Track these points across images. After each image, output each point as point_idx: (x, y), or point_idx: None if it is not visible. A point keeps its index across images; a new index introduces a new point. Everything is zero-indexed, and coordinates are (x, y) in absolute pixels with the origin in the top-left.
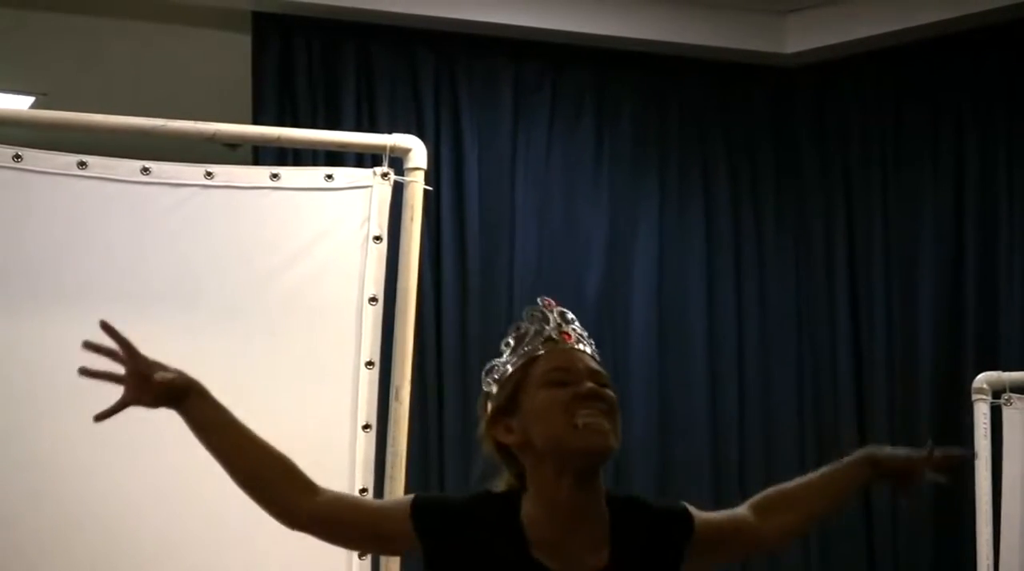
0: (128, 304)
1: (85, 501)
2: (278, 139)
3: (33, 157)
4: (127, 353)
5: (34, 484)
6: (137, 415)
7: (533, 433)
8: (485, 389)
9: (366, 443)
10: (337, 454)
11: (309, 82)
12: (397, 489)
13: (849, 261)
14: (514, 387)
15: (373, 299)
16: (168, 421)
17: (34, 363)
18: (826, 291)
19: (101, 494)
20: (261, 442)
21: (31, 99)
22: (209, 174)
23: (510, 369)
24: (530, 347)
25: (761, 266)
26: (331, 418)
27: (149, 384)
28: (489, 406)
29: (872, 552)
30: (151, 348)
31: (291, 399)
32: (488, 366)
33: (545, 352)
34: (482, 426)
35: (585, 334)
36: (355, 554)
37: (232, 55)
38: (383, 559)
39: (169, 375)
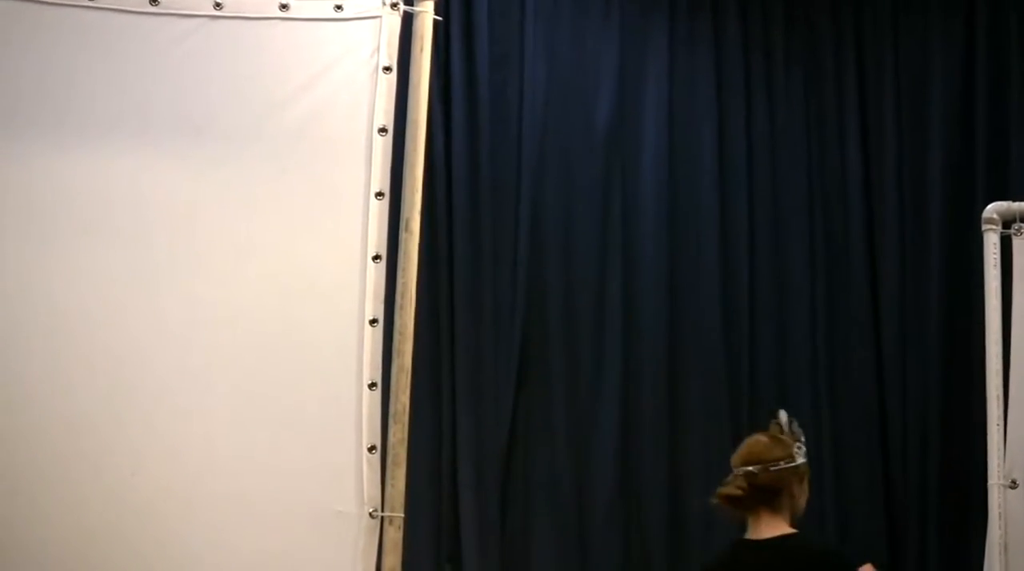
0: (135, 134)
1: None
2: None
3: None
4: None
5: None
6: None
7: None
8: (799, 457)
9: (376, 273)
10: (347, 283)
11: None
12: (407, 319)
13: (859, 91)
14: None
15: (383, 130)
16: None
17: (38, 194)
18: (837, 123)
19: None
20: None
21: None
22: (218, 4)
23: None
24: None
25: (770, 97)
26: (341, 248)
27: None
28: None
29: (881, 384)
30: (159, 179)
31: (300, 230)
32: (800, 447)
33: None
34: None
35: None
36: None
37: None
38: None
39: None
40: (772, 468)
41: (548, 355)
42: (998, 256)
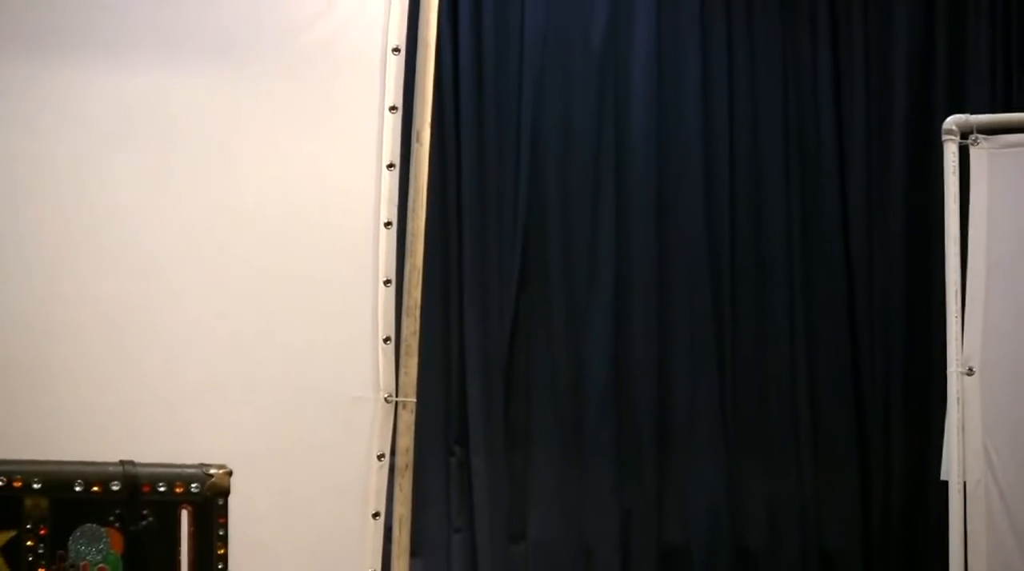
0: (159, 52)
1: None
2: None
3: None
4: None
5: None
6: None
7: None
8: None
9: (390, 180)
10: (364, 189)
11: None
12: (418, 222)
13: (830, 16)
14: None
15: (396, 49)
16: None
17: (68, 109)
18: (810, 44)
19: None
20: None
21: None
22: None
23: None
24: None
25: (749, 23)
26: (358, 157)
27: None
28: None
29: (851, 280)
30: (181, 94)
31: (320, 140)
32: None
33: None
34: None
35: None
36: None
37: None
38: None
39: None
40: None
41: (547, 256)
42: (956, 164)
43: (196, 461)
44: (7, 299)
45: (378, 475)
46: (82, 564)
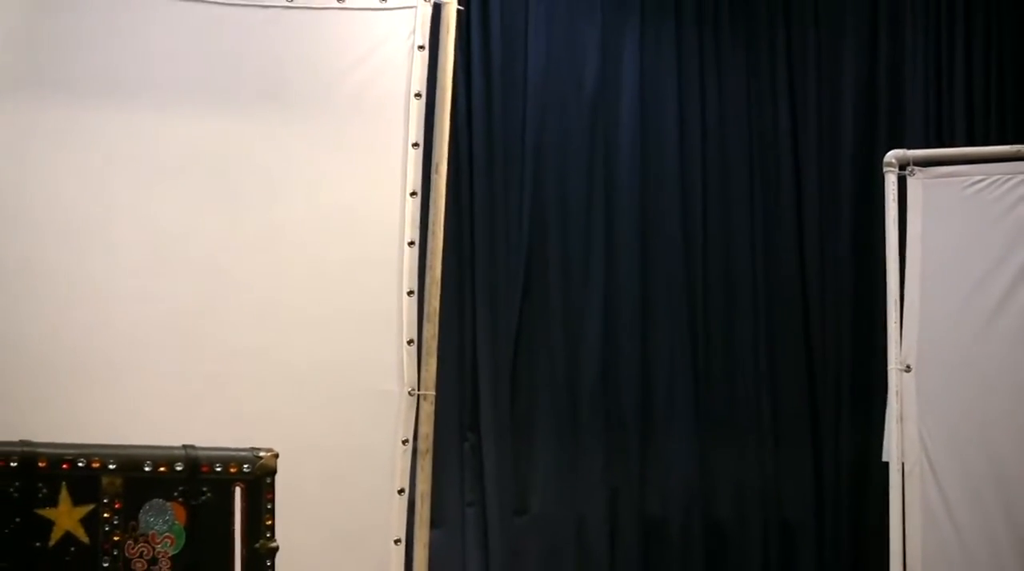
0: (228, 100)
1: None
2: None
3: None
4: None
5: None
6: None
7: None
8: None
9: (413, 206)
10: (390, 214)
11: None
12: (437, 241)
13: (787, 59)
14: None
15: (418, 94)
16: None
17: (149, 147)
18: (770, 86)
19: None
20: None
21: None
22: None
23: None
24: None
25: (718, 64)
26: (386, 186)
27: None
28: None
29: (805, 288)
30: (240, 135)
31: (353, 171)
32: None
33: None
34: None
35: None
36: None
37: None
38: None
39: None
40: None
41: (547, 270)
42: (896, 191)
43: (250, 445)
44: (93, 304)
45: (403, 457)
46: (150, 533)
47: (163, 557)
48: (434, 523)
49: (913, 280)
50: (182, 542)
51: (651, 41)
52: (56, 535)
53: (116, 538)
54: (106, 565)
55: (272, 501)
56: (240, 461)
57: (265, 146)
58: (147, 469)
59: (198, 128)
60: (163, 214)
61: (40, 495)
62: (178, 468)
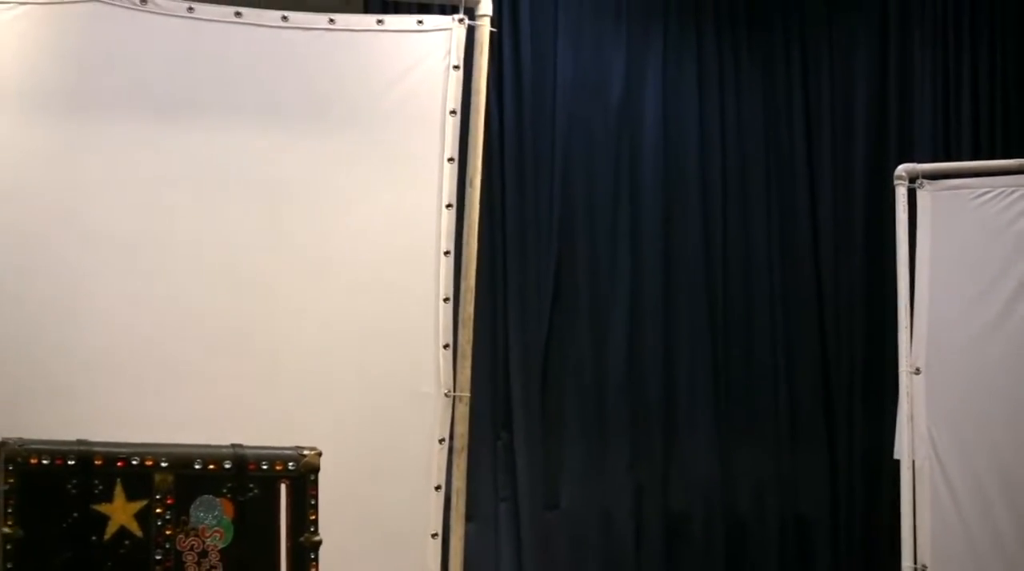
0: (273, 118)
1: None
2: None
3: (201, 8)
4: None
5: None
6: None
7: None
8: None
9: (448, 218)
10: (426, 225)
11: None
12: (471, 250)
13: (803, 78)
14: None
15: (453, 111)
16: None
17: (198, 168)
18: (786, 104)
19: None
20: None
21: None
22: (331, 20)
23: None
24: None
25: (737, 81)
26: (422, 199)
27: None
28: None
29: (820, 297)
30: (291, 153)
31: (392, 184)
32: None
33: None
34: None
35: None
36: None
37: None
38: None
39: None
40: None
41: (575, 277)
42: (906, 202)
43: (297, 444)
44: (153, 316)
45: (439, 455)
46: (201, 527)
47: (213, 550)
48: (469, 517)
49: (922, 287)
50: (231, 536)
51: (673, 60)
52: (111, 529)
53: (168, 532)
54: (159, 558)
55: (315, 497)
56: (285, 459)
57: (308, 161)
58: (197, 467)
59: (244, 145)
60: (213, 229)
61: (96, 491)
62: (226, 466)
